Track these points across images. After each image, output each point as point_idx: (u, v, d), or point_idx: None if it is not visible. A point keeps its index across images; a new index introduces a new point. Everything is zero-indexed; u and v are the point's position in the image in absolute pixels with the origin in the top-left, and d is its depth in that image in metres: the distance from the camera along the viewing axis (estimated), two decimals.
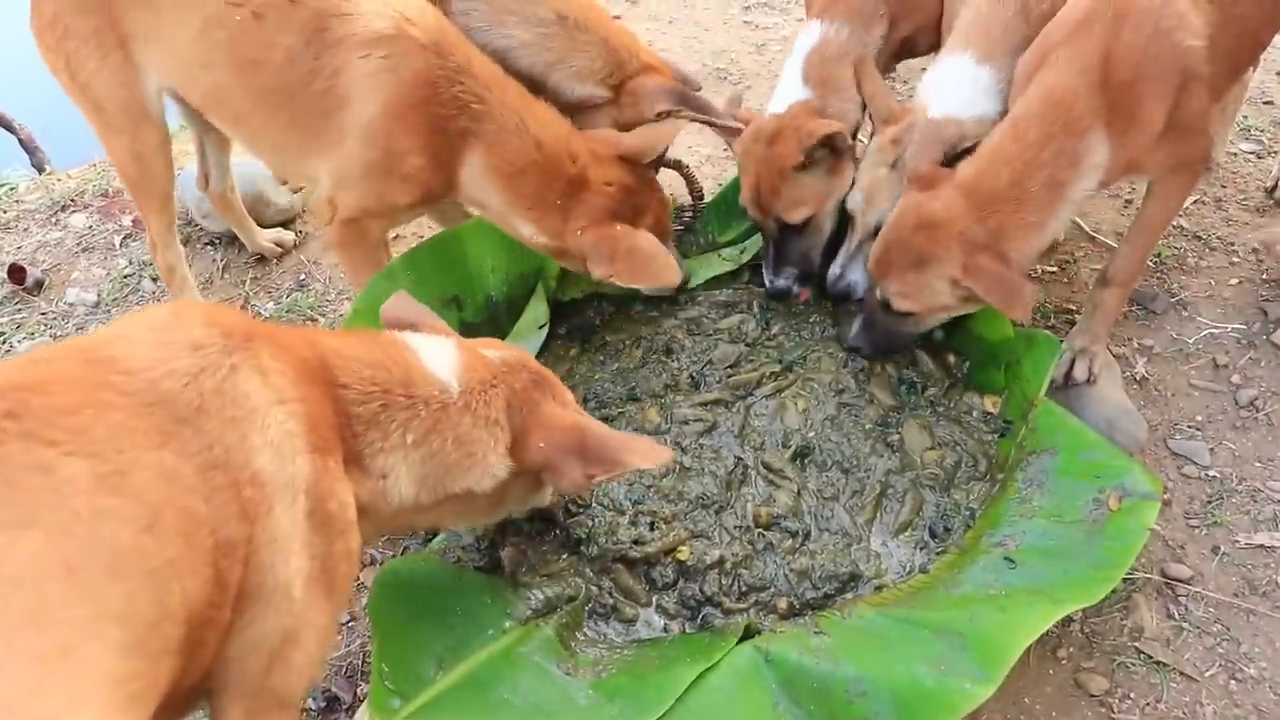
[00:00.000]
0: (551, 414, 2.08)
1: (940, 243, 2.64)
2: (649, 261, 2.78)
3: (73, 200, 4.23)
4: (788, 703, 2.13)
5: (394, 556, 2.48)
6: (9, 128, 5.36)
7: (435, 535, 2.52)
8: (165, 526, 1.47)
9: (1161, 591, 2.62)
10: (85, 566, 1.34)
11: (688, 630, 2.41)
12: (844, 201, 3.10)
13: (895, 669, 2.09)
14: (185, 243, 3.93)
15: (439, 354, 2.03)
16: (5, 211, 4.22)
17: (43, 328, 3.64)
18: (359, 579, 2.66)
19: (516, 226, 2.87)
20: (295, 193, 4.01)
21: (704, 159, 4.19)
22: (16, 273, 3.77)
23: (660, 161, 3.13)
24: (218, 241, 3.93)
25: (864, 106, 3.14)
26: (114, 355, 1.62)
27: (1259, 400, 3.07)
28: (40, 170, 4.95)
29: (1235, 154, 4.09)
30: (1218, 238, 3.70)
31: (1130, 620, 2.55)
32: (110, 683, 1.30)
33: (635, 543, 2.49)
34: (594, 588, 2.43)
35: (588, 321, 3.19)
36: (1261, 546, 2.69)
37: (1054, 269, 3.62)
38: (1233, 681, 2.42)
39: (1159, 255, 3.60)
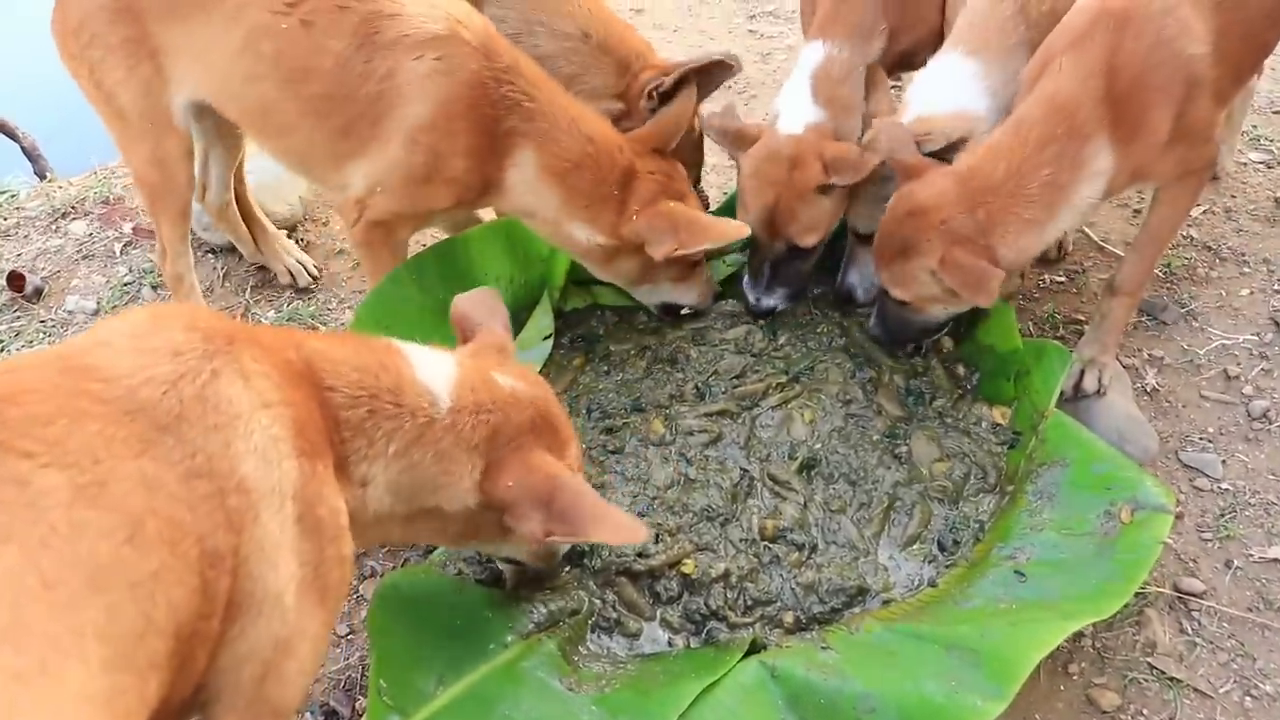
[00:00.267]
0: (533, 458, 1.98)
1: (923, 233, 2.63)
2: (711, 224, 2.78)
3: (73, 207, 4.21)
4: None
5: (394, 569, 2.44)
6: (12, 136, 5.34)
7: (436, 548, 2.48)
8: (148, 537, 1.43)
9: (1174, 606, 2.58)
10: (64, 581, 1.30)
11: (692, 645, 2.37)
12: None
13: (904, 685, 2.05)
14: None
15: (435, 366, 1.98)
16: (6, 218, 4.20)
17: (42, 335, 3.61)
18: (358, 591, 2.62)
19: (570, 231, 2.83)
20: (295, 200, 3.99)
21: (709, 168, 4.15)
22: (16, 280, 3.74)
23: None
24: (217, 251, 3.90)
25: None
26: (92, 363, 1.58)
27: (1271, 412, 3.03)
28: (42, 178, 4.93)
29: (1245, 164, 4.05)
30: (1228, 248, 3.67)
31: (1143, 635, 2.51)
32: (91, 701, 1.25)
33: (639, 555, 2.44)
34: (597, 601, 2.39)
35: (592, 331, 3.15)
36: (1275, 560, 2.65)
37: (1063, 279, 3.59)
38: (1248, 698, 2.38)
39: (1169, 266, 3.57)
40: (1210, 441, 2.99)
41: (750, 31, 5.38)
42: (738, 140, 3.04)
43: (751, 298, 3.09)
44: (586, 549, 2.44)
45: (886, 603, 2.43)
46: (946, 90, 2.91)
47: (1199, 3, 2.57)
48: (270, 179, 3.92)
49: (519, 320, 3.02)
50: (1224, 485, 2.85)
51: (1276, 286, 3.46)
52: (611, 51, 3.07)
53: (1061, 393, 2.76)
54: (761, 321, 3.11)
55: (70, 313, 3.70)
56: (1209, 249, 3.68)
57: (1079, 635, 2.48)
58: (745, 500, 2.61)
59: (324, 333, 1.92)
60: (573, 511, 1.92)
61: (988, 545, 2.52)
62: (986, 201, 2.59)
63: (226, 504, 1.56)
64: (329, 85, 2.67)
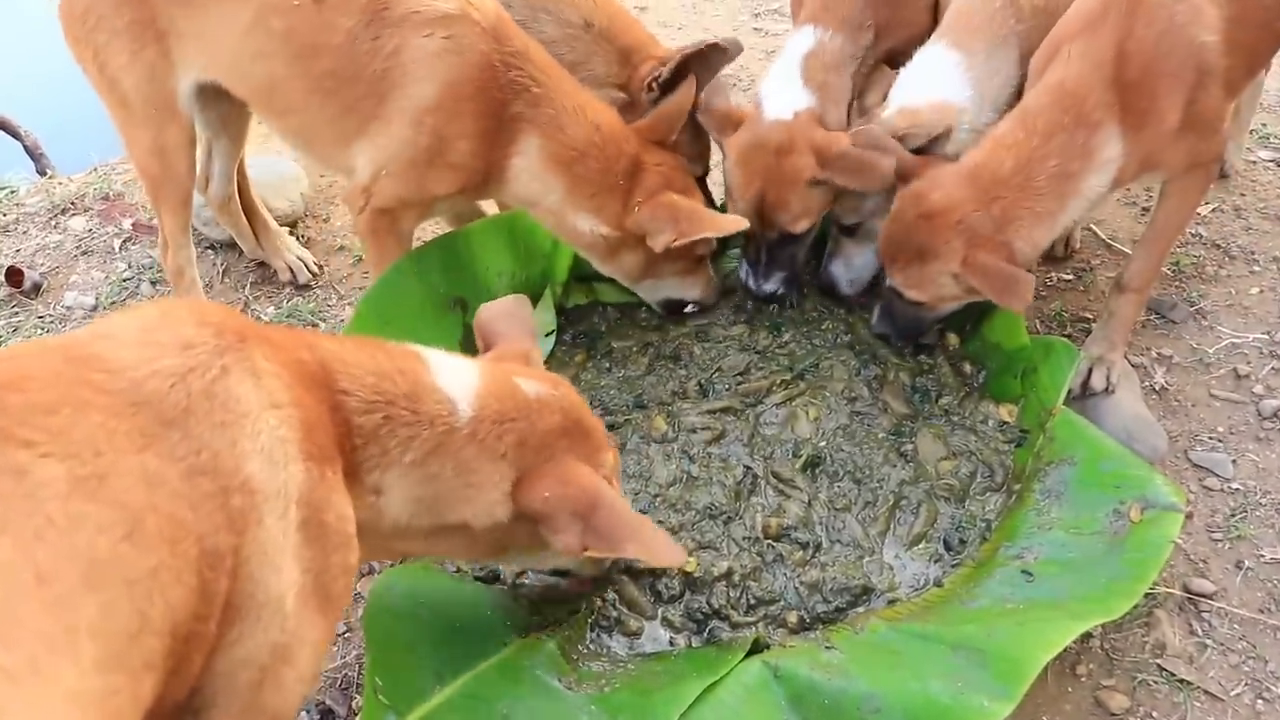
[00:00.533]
0: (571, 469, 1.92)
1: (940, 234, 2.60)
2: (711, 215, 2.76)
3: (73, 203, 4.18)
4: None
5: (391, 565, 2.40)
6: (14, 134, 5.33)
7: None
8: (147, 534, 1.39)
9: (1184, 607, 2.54)
10: (58, 576, 1.26)
11: (694, 644, 2.33)
12: None
13: (909, 685, 2.01)
14: None
15: (456, 372, 1.91)
16: (5, 214, 4.16)
17: (39, 331, 3.58)
18: (355, 588, 2.59)
19: (574, 222, 2.80)
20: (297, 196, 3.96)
21: (714, 164, 4.12)
22: (14, 275, 3.71)
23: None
24: (217, 246, 3.87)
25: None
26: (98, 353, 1.53)
27: None
28: (43, 176, 4.91)
29: (1255, 162, 4.01)
30: (1238, 246, 3.63)
31: (1152, 637, 2.46)
32: (82, 700, 1.21)
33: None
34: (597, 599, 2.35)
35: (593, 328, 3.12)
36: None
37: (1070, 277, 3.55)
38: (1260, 701, 2.33)
39: (1177, 264, 3.53)
40: (1220, 441, 2.95)
41: (755, 29, 5.35)
42: (722, 123, 2.98)
43: (751, 283, 3.06)
44: None
45: (891, 602, 2.39)
46: (928, 82, 2.89)
47: None
48: (272, 175, 3.91)
49: None
50: (1234, 485, 2.81)
51: None
52: (614, 41, 3.04)
53: (1069, 391, 2.73)
54: (766, 319, 3.08)
55: (69, 308, 3.67)
56: (1218, 247, 3.64)
57: (1087, 636, 2.43)
58: (748, 498, 2.57)
59: (340, 335, 1.87)
60: (612, 529, 1.87)
61: (994, 544, 2.48)
62: (999, 196, 2.56)
63: (229, 504, 1.51)
64: (337, 62, 2.65)
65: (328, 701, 2.35)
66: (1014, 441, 2.70)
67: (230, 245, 3.84)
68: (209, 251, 3.87)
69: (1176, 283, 3.49)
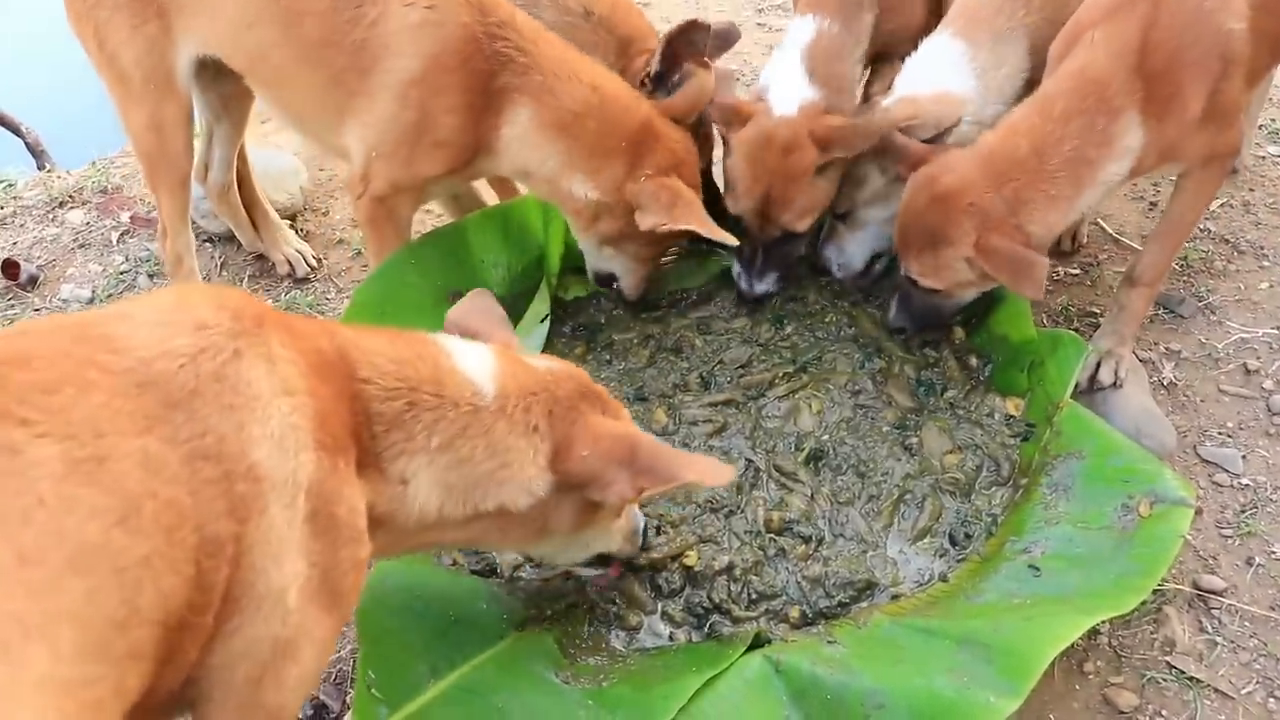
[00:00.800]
0: (599, 423, 1.90)
1: (952, 218, 2.56)
2: (705, 216, 2.69)
3: (71, 197, 4.15)
4: (799, 716, 2.01)
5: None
6: (16, 131, 5.32)
7: None
8: (142, 521, 1.34)
9: (1193, 604, 2.49)
10: (42, 559, 1.22)
11: (694, 639, 2.29)
12: None
13: (914, 681, 1.97)
14: None
15: (473, 356, 1.88)
16: (2, 207, 4.13)
17: None
18: None
19: (568, 186, 2.74)
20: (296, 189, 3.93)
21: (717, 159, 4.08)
22: (10, 268, 3.68)
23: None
24: (216, 240, 3.84)
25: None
26: (110, 333, 1.48)
27: None
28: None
29: (1264, 157, 3.97)
30: (1247, 241, 3.59)
31: (1161, 634, 2.42)
32: (52, 687, 1.17)
33: (640, 548, 2.36)
34: (595, 593, 2.31)
35: (593, 320, 3.08)
36: None
37: (1077, 271, 3.51)
38: (1271, 700, 2.29)
39: (1185, 258, 3.48)
40: (1230, 436, 2.90)
41: (759, 25, 5.32)
42: (729, 117, 2.92)
43: (744, 284, 3.01)
44: None
45: (895, 597, 2.35)
46: (932, 71, 2.86)
47: None
48: (271, 168, 3.88)
49: (517, 306, 2.96)
50: (1244, 481, 2.77)
51: None
52: (614, 30, 2.98)
53: (1076, 385, 2.68)
54: (768, 312, 3.04)
55: (65, 301, 3.64)
56: (1227, 242, 3.60)
57: (1095, 633, 2.40)
58: (750, 491, 2.53)
59: (359, 324, 1.83)
60: (658, 462, 1.86)
61: (1000, 539, 2.43)
62: (1013, 179, 2.52)
63: (233, 490, 1.46)
64: (321, 29, 2.62)
65: (321, 696, 2.31)
66: (1020, 435, 2.66)
67: (228, 238, 3.80)
68: (207, 244, 3.83)
69: (1185, 277, 3.44)
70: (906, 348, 2.89)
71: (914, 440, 2.65)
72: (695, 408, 2.73)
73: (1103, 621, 2.25)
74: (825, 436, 2.65)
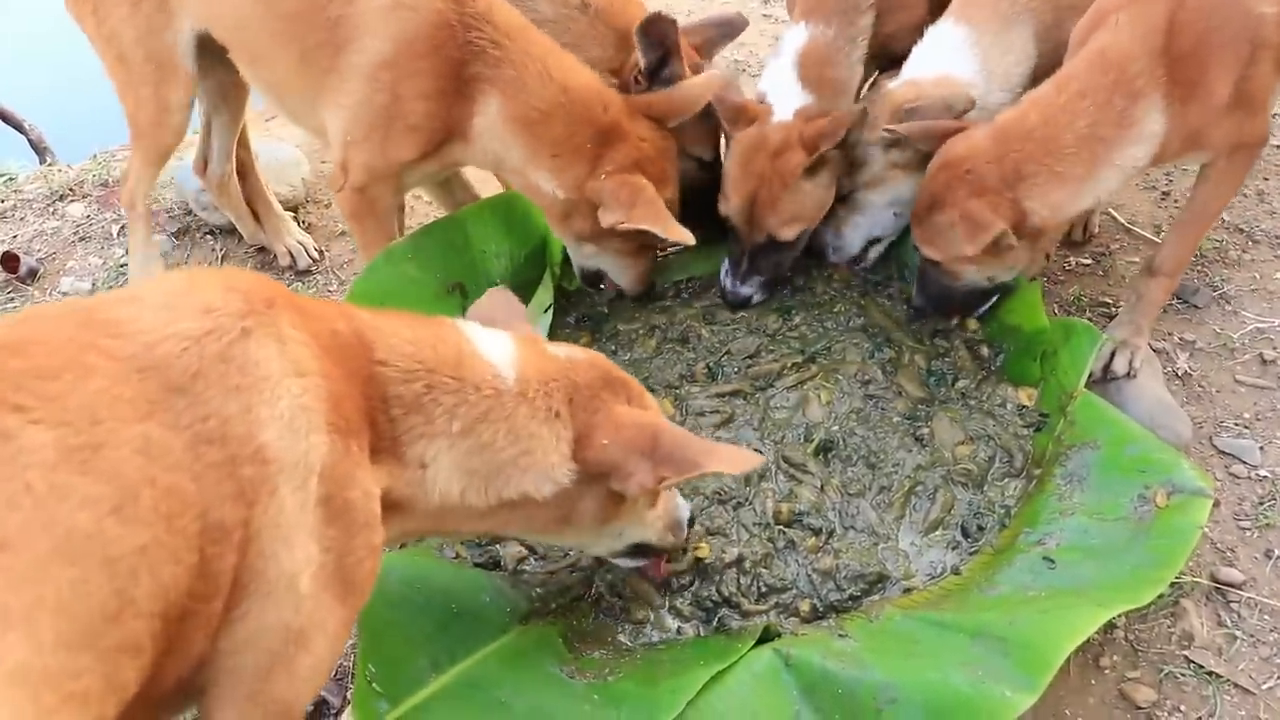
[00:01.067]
0: (621, 412, 1.86)
1: (950, 185, 2.54)
2: (665, 215, 2.64)
3: (71, 190, 4.12)
4: (810, 711, 1.96)
5: (387, 550, 2.31)
6: (19, 128, 5.31)
7: None
8: (139, 510, 1.29)
9: (1211, 597, 2.44)
10: (26, 546, 1.17)
11: (702, 633, 2.24)
12: None
13: (928, 675, 1.91)
14: (184, 233, 3.84)
15: (494, 341, 1.84)
16: (3, 200, 4.11)
17: None
18: None
19: (535, 180, 2.71)
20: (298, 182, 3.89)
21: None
22: (10, 261, 3.65)
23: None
24: (217, 232, 3.81)
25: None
26: (116, 318, 1.44)
27: None
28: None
29: (1278, 146, 3.91)
30: (1261, 230, 3.54)
31: (1179, 628, 2.37)
32: (30, 678, 1.12)
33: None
34: (602, 586, 2.26)
35: (597, 310, 3.04)
36: None
37: (1089, 262, 3.46)
38: None
39: (1199, 248, 3.42)
40: (1246, 427, 2.85)
41: (765, 16, 5.28)
42: (735, 117, 2.89)
43: (727, 285, 2.98)
44: None
45: (907, 590, 2.30)
46: (935, 56, 2.83)
47: None
48: (274, 160, 3.85)
49: (520, 297, 2.89)
50: (1262, 472, 2.71)
51: None
52: (612, 23, 2.93)
53: (1090, 375, 2.63)
54: (775, 302, 3.00)
55: (65, 294, 3.60)
56: (1241, 231, 3.55)
57: (1111, 627, 2.35)
58: (759, 483, 2.48)
59: (375, 307, 1.81)
60: (680, 451, 1.81)
61: (1014, 531, 2.38)
62: (1014, 150, 2.48)
63: (239, 473, 1.41)
64: (294, 5, 2.61)
65: (321, 691, 2.27)
66: (1033, 426, 2.61)
67: (230, 231, 3.77)
68: (208, 237, 3.80)
69: (1199, 267, 3.39)
70: (917, 337, 2.84)
71: (925, 431, 2.60)
72: (702, 398, 2.69)
73: (1119, 615, 2.20)
74: (835, 427, 2.61)
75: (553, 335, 2.88)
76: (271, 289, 1.59)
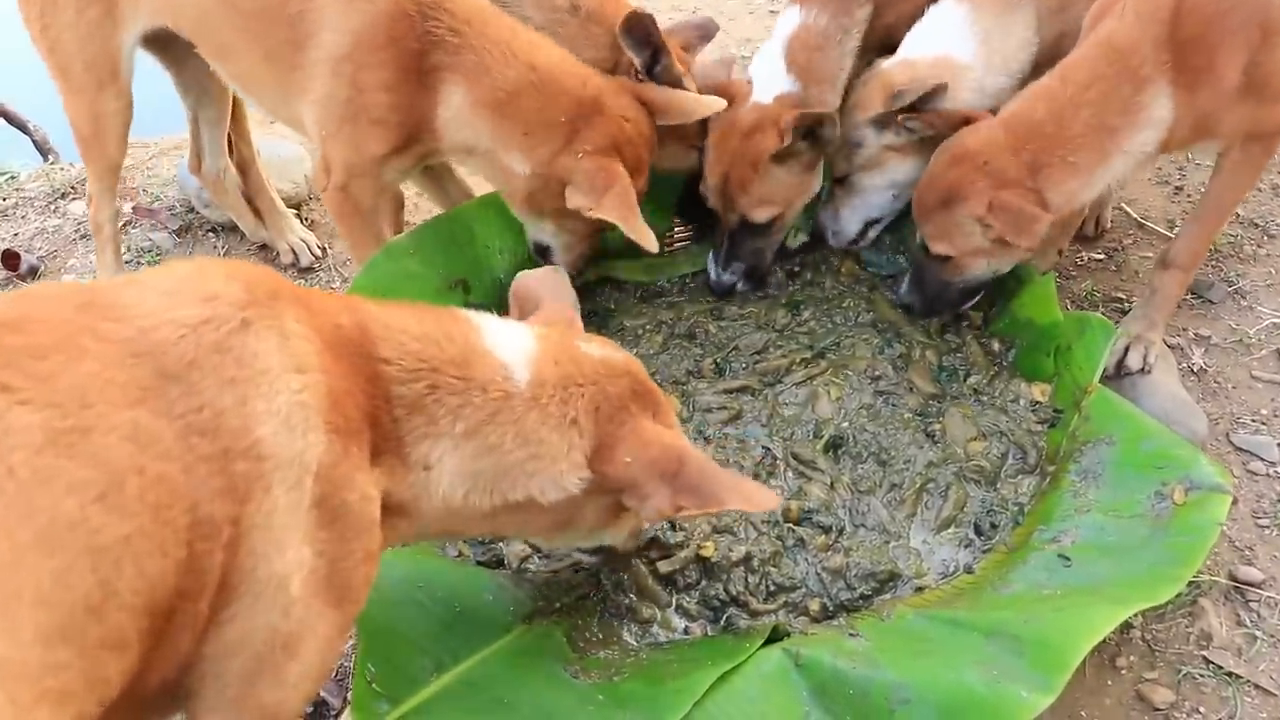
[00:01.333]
0: (650, 430, 1.79)
1: (968, 177, 2.50)
2: (635, 212, 2.54)
3: (73, 188, 4.09)
4: (820, 712, 1.90)
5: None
6: (23, 129, 5.28)
7: None
8: (125, 497, 1.25)
9: (1230, 596, 2.39)
10: (5, 533, 1.13)
11: (710, 633, 2.19)
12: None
13: (942, 675, 1.86)
14: (186, 230, 3.81)
15: (509, 337, 1.78)
16: (4, 199, 4.08)
17: None
18: None
19: (506, 162, 2.64)
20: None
21: None
22: (10, 259, 3.62)
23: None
24: (219, 229, 3.77)
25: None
26: (116, 301, 1.41)
27: None
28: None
29: None
30: (1277, 225, 3.50)
31: (1196, 627, 2.32)
32: (8, 674, 1.07)
33: (663, 557, 2.26)
34: (607, 585, 2.22)
35: (604, 306, 3.01)
36: None
37: (1101, 257, 3.41)
38: None
39: (1214, 243, 3.37)
40: (1263, 424, 2.80)
41: (771, 11, 5.22)
42: (727, 92, 2.84)
43: (711, 273, 2.97)
44: None
45: (919, 589, 2.25)
46: (933, 36, 2.80)
47: None
48: (274, 157, 3.82)
49: None
50: None
51: None
52: (604, 23, 2.86)
53: (1104, 370, 2.58)
54: (784, 297, 2.97)
55: None
56: (1256, 226, 3.50)
57: (1128, 626, 2.30)
58: (767, 480, 2.45)
59: (383, 300, 1.76)
60: (702, 483, 1.75)
61: (1028, 529, 2.33)
62: (1030, 142, 2.46)
63: (231, 468, 1.37)
64: (255, 1, 2.59)
65: (322, 693, 2.23)
66: (1047, 421, 2.56)
67: (232, 228, 3.74)
68: (210, 234, 3.77)
69: (1214, 262, 3.34)
70: (928, 332, 2.80)
71: (936, 427, 2.56)
72: (709, 395, 2.65)
73: (1135, 615, 2.16)
74: (845, 423, 2.56)
75: None
76: (276, 281, 1.55)
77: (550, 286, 2.11)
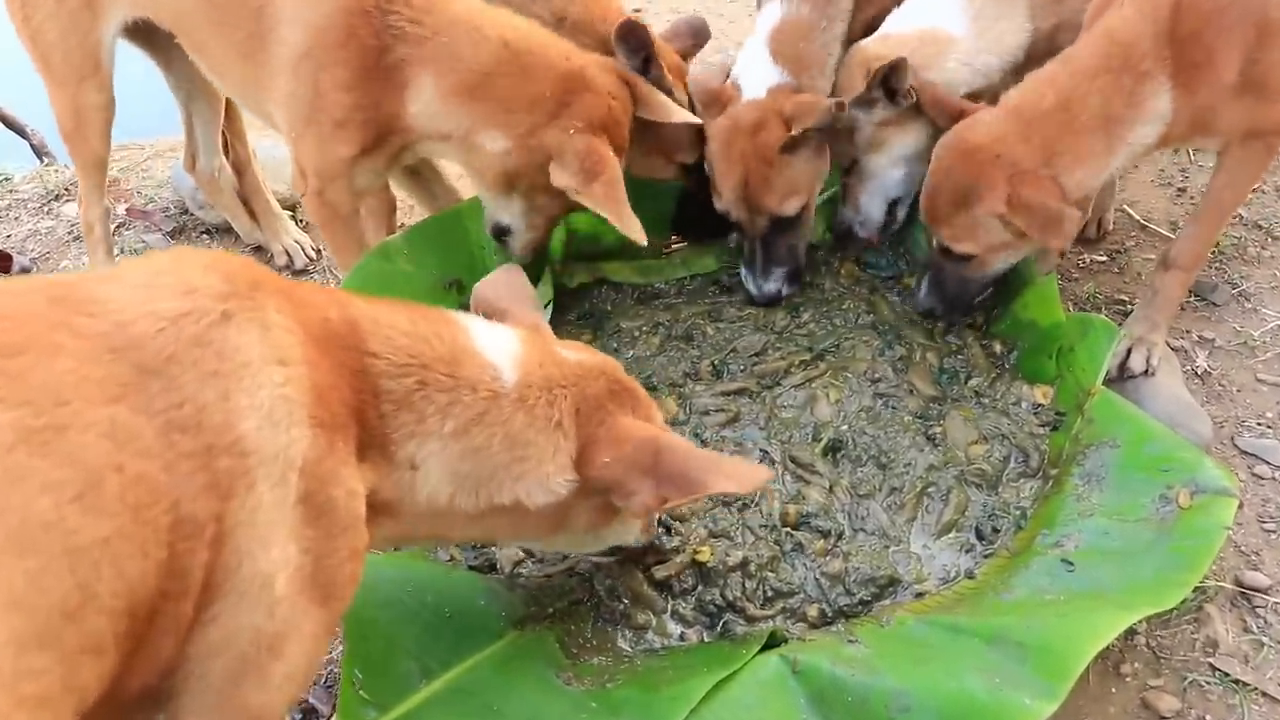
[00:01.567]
0: (624, 426, 1.77)
1: (983, 173, 2.46)
2: (623, 201, 2.48)
3: (67, 190, 4.07)
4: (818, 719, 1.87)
5: (376, 551, 2.23)
6: (20, 132, 5.26)
7: None
8: (104, 498, 1.21)
9: (1236, 602, 2.35)
10: None
11: (706, 639, 2.15)
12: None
13: (942, 682, 1.82)
14: (180, 232, 3.78)
15: (496, 338, 1.76)
16: None
17: None
18: None
19: (482, 142, 2.55)
20: None
21: None
22: (2, 261, 3.60)
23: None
24: (213, 231, 3.75)
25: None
26: (91, 295, 1.36)
27: None
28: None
29: None
30: None
31: (1202, 634, 2.28)
32: None
33: (658, 563, 2.21)
34: (601, 590, 2.18)
35: (599, 307, 2.97)
36: None
37: (1104, 259, 3.37)
38: None
39: (1217, 245, 3.35)
40: (1269, 427, 2.76)
41: None
42: (709, 102, 2.82)
43: (751, 287, 2.90)
44: None
45: (920, 595, 2.21)
46: (924, 8, 2.77)
47: None
48: (270, 159, 3.79)
49: None
50: None
51: None
52: (591, 33, 2.82)
53: (1106, 373, 2.54)
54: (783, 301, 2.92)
55: None
56: (1260, 228, 3.47)
57: (1132, 633, 2.26)
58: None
59: (372, 296, 1.73)
60: (684, 470, 1.71)
61: (1030, 533, 2.29)
62: (1040, 130, 2.42)
63: (214, 465, 1.33)
64: None
65: (311, 700, 2.19)
66: (1049, 424, 2.52)
67: (226, 229, 3.71)
68: (204, 236, 3.75)
69: (1217, 264, 3.31)
70: (928, 334, 2.77)
71: (937, 430, 2.52)
72: (707, 397, 2.61)
73: (1140, 621, 2.11)
74: (844, 426, 2.52)
75: (554, 332, 2.79)
76: (258, 272, 1.51)
77: (512, 291, 2.07)
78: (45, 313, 1.31)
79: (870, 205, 2.94)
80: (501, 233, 2.80)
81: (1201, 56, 2.37)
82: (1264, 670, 2.20)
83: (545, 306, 2.79)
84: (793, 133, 2.70)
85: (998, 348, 2.73)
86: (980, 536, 2.33)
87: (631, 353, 2.77)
